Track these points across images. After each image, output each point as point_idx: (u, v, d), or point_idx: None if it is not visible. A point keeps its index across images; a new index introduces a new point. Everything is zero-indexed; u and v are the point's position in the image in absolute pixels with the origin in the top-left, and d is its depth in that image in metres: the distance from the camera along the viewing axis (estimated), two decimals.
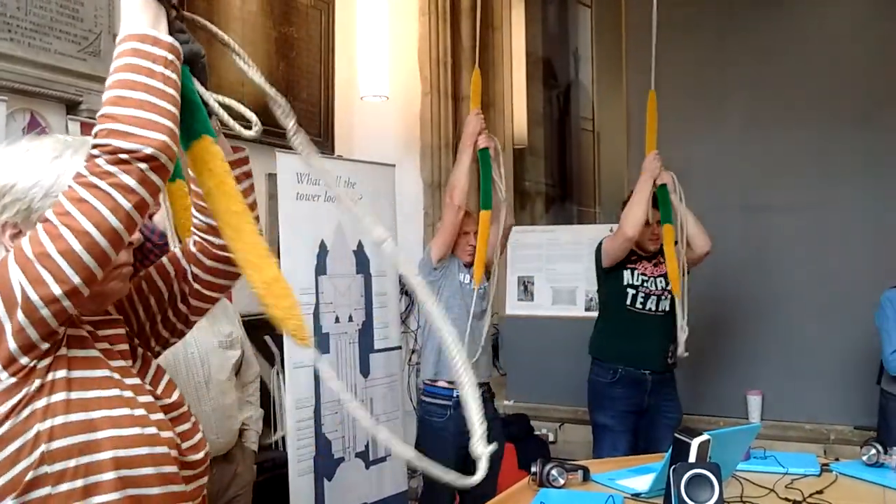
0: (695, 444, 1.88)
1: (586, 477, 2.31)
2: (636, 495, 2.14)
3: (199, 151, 1.14)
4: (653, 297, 3.42)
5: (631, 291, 3.41)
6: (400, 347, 4.09)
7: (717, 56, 4.48)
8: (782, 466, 2.38)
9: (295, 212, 3.55)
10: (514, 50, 5.26)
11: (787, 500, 2.08)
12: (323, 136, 4.42)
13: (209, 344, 2.47)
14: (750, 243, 4.32)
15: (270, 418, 3.67)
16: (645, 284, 3.42)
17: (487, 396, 3.41)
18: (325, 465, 3.53)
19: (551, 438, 4.52)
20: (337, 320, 3.72)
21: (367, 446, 3.79)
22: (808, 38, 4.32)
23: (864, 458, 2.37)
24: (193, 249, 1.26)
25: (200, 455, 1.17)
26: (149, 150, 0.99)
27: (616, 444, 3.39)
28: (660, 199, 3.34)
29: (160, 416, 1.13)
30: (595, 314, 4.28)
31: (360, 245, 3.86)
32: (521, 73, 5.39)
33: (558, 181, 5.96)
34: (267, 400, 3.62)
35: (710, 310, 4.14)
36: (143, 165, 0.99)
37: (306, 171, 3.61)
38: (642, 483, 2.21)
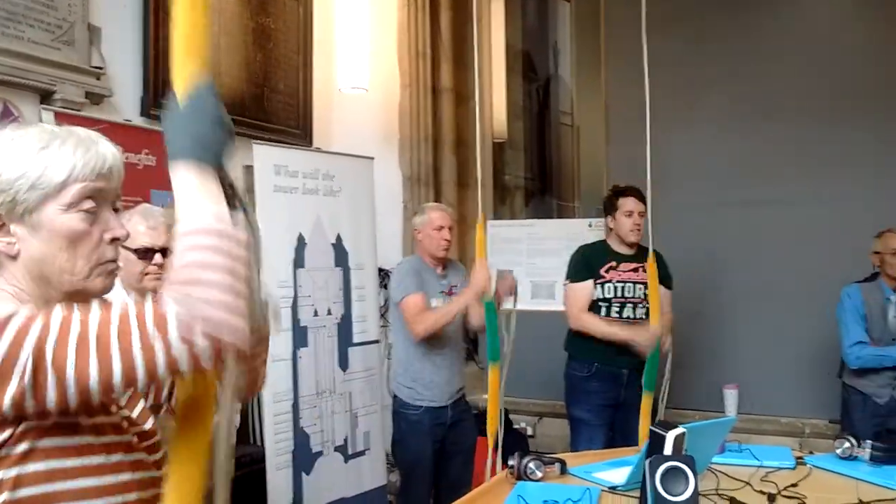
0: (670, 436, 1.89)
1: (563, 470, 2.31)
2: (613, 488, 2.15)
3: None
4: (629, 304, 3.40)
5: (604, 305, 3.41)
6: (379, 341, 4.08)
7: (696, 53, 4.51)
8: (757, 459, 2.39)
9: (272, 204, 3.52)
10: (494, 43, 5.25)
11: (762, 492, 2.10)
12: (301, 129, 4.39)
13: None
14: (727, 239, 4.35)
15: (250, 414, 3.65)
16: (620, 294, 3.40)
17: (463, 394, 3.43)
18: (303, 459, 3.52)
19: (530, 432, 4.54)
20: (315, 314, 3.70)
21: (345, 440, 3.78)
22: (786, 36, 4.36)
23: (838, 451, 2.39)
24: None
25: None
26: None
27: (593, 438, 3.41)
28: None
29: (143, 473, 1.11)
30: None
31: (338, 238, 3.84)
32: (500, 66, 5.39)
33: (538, 175, 5.96)
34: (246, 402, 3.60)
35: (687, 305, 4.15)
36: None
37: (284, 163, 3.59)
38: (619, 476, 2.22)
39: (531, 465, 2.24)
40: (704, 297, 4.32)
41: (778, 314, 4.26)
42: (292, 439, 3.49)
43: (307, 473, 3.54)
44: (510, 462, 2.28)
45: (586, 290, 3.39)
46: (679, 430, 1.90)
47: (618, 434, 3.45)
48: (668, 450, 1.87)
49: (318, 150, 3.85)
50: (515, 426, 4.49)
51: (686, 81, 4.50)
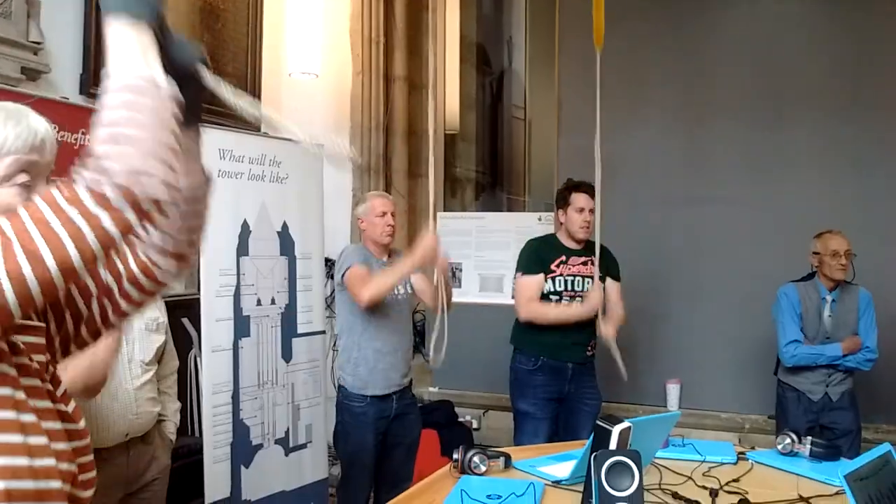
0: (615, 431, 1.87)
1: (508, 464, 2.29)
2: (557, 482, 2.13)
3: None
4: (578, 298, 3.40)
5: (554, 298, 3.40)
6: (324, 332, 4.01)
7: (647, 51, 4.54)
8: (700, 454, 2.41)
9: (217, 190, 3.40)
10: (449, 33, 5.20)
11: (704, 487, 2.10)
12: None
13: (135, 325, 2.39)
14: (672, 236, 4.40)
15: (188, 405, 3.55)
16: (570, 287, 3.40)
17: (407, 384, 3.38)
18: (243, 451, 3.43)
19: (475, 425, 4.52)
20: (259, 303, 3.61)
21: (287, 433, 3.70)
22: (734, 39, 4.43)
23: (779, 447, 2.42)
24: (135, 269, 1.15)
25: (90, 493, 1.08)
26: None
27: (537, 431, 3.40)
28: None
29: (63, 445, 1.03)
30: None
31: (284, 226, 3.75)
32: (454, 57, 5.35)
33: (489, 168, 5.94)
34: (185, 392, 3.50)
35: (632, 301, 4.15)
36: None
37: (229, 148, 3.49)
38: (563, 470, 2.20)
39: (475, 459, 2.22)
40: (649, 293, 4.35)
41: (720, 311, 4.33)
42: (231, 431, 3.40)
43: (246, 466, 3.46)
44: (454, 456, 2.25)
45: (538, 282, 3.38)
46: (625, 424, 1.89)
47: (561, 428, 3.46)
48: (613, 444, 1.85)
49: (266, 135, 3.75)
50: (461, 419, 4.46)
51: (637, 79, 4.53)
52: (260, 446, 3.55)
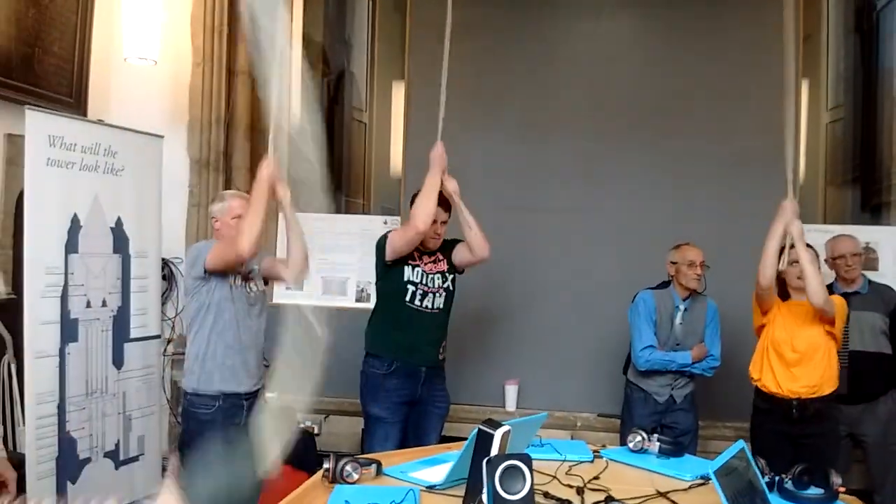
0: (498, 435, 1.91)
1: (379, 471, 2.26)
2: (431, 487, 2.13)
3: None
4: (430, 294, 3.44)
5: (411, 288, 3.41)
6: (159, 336, 3.77)
7: (496, 61, 4.68)
8: (559, 454, 2.51)
9: (44, 180, 3.12)
10: (292, 30, 5.06)
11: (570, 486, 2.19)
12: (74, 96, 3.93)
13: None
14: (515, 242, 4.54)
15: (3, 417, 3.20)
16: (424, 281, 3.44)
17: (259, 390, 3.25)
18: (69, 466, 3.16)
19: (316, 430, 4.42)
20: (88, 304, 3.34)
21: (117, 445, 3.45)
22: (578, 53, 4.67)
23: (631, 444, 2.57)
24: None
25: None
26: None
27: (388, 436, 3.39)
28: None
29: None
30: (366, 305, 4.26)
31: (118, 222, 3.49)
32: (297, 55, 5.20)
33: (328, 170, 5.83)
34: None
35: (473, 304, 4.29)
36: None
37: (59, 134, 3.19)
38: (436, 475, 2.21)
39: (347, 467, 2.17)
40: (491, 296, 4.49)
41: (557, 315, 4.54)
42: (56, 445, 3.12)
43: (72, 482, 3.19)
44: (325, 465, 2.19)
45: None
46: (505, 428, 1.93)
47: (411, 432, 3.47)
48: (495, 448, 1.89)
49: (101, 122, 3.47)
50: (301, 424, 4.35)
51: (481, 89, 4.65)
52: (88, 460, 3.28)
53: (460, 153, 4.04)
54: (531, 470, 1.68)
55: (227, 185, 4.44)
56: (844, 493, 2.16)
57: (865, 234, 4.29)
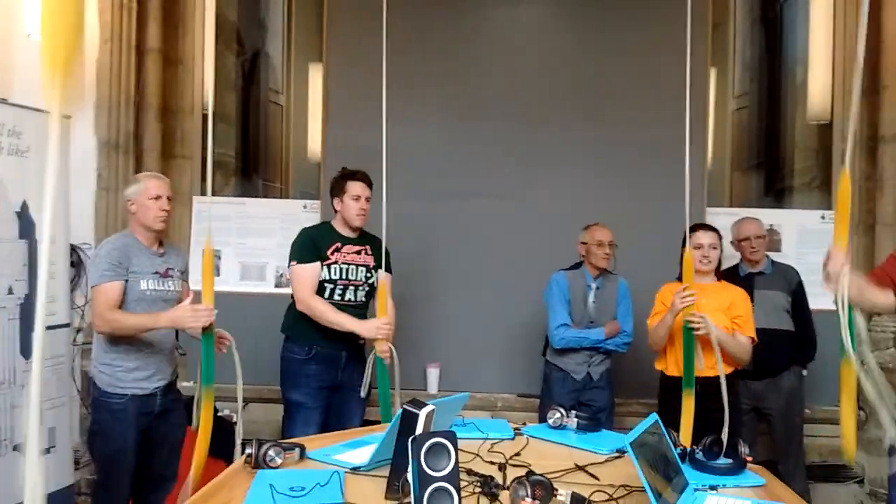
0: (422, 414, 1.93)
1: (303, 455, 2.25)
2: (356, 469, 2.13)
3: None
4: (351, 287, 3.42)
5: (329, 286, 3.38)
6: (68, 325, 3.62)
7: (422, 47, 4.67)
8: (481, 432, 2.56)
9: None
10: (207, 8, 4.92)
11: (492, 463, 2.23)
12: None
13: None
14: (436, 227, 4.58)
15: None
16: (345, 276, 3.40)
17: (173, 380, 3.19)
18: None
19: (234, 419, 4.34)
20: None
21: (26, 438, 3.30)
22: (499, 40, 4.73)
23: (550, 421, 2.64)
24: None
25: None
26: None
27: (309, 421, 3.38)
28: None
29: None
30: (285, 291, 4.21)
31: (24, 206, 3.32)
32: (210, 33, 5.06)
33: (245, 152, 5.72)
34: None
35: (395, 288, 4.28)
36: None
37: None
38: (360, 456, 2.21)
39: (270, 452, 2.16)
40: (411, 281, 4.49)
41: (478, 298, 4.60)
42: None
43: None
44: (247, 450, 2.17)
45: (314, 271, 3.34)
46: (430, 407, 1.95)
47: (333, 416, 3.45)
48: (420, 428, 1.90)
49: (5, 101, 3.29)
50: (219, 413, 4.26)
51: (407, 74, 4.63)
52: None
53: (387, 138, 4.04)
54: (456, 447, 1.70)
55: (138, 168, 4.30)
56: (752, 462, 2.28)
57: (769, 216, 4.51)
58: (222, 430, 4.09)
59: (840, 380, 2.41)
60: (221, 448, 3.95)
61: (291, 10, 5.89)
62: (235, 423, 4.38)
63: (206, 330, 2.79)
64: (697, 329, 3.02)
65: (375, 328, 3.28)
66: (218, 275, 4.51)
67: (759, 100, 5.62)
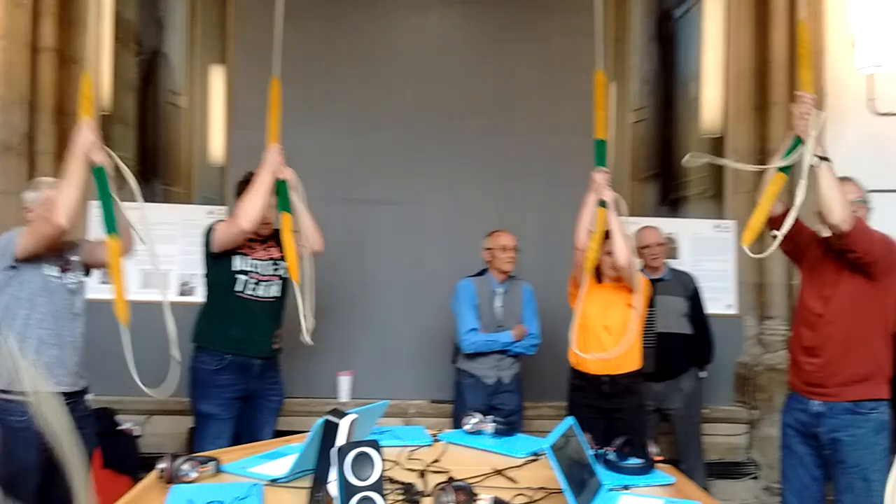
0: (344, 423, 1.92)
1: (218, 468, 2.20)
2: (274, 481, 2.10)
3: None
4: (263, 283, 3.37)
5: (241, 277, 3.32)
6: None
7: (327, 51, 4.65)
8: (400, 439, 2.56)
9: None
10: (104, 5, 4.74)
11: (412, 470, 2.25)
12: None
13: None
14: (345, 233, 4.54)
15: None
16: (256, 270, 3.36)
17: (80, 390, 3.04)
18: None
19: (138, 432, 4.19)
20: None
21: None
22: (407, 47, 4.76)
23: (467, 426, 2.67)
24: None
25: None
26: None
27: (220, 433, 3.29)
28: (279, 193, 3.30)
29: None
30: (190, 299, 4.10)
31: None
32: (108, 32, 4.88)
33: (144, 156, 5.51)
34: None
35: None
36: None
37: None
38: (278, 468, 2.18)
39: (185, 466, 2.10)
40: (321, 288, 4.42)
41: (389, 305, 4.61)
42: None
43: None
44: (160, 465, 2.10)
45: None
46: (352, 416, 1.94)
47: (244, 427, 3.38)
48: (342, 437, 1.90)
49: None
50: (121, 427, 4.10)
51: (313, 78, 4.60)
52: None
53: (288, 143, 3.98)
54: (380, 456, 1.71)
55: (32, 172, 4.08)
56: (660, 461, 2.38)
57: (666, 225, 4.70)
58: (124, 445, 3.95)
59: (767, 187, 2.70)
60: (124, 463, 3.81)
61: (195, 9, 5.73)
62: (140, 436, 4.25)
63: (96, 165, 2.73)
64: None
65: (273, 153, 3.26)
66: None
67: (655, 113, 5.87)
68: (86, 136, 2.77)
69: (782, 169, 2.67)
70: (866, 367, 2.70)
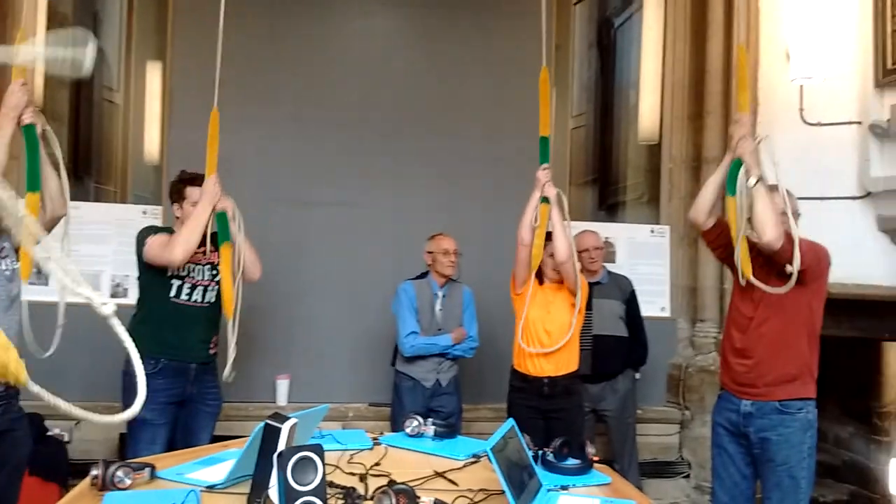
0: (285, 428, 1.90)
1: (153, 475, 2.15)
2: (212, 487, 2.07)
3: None
4: (199, 287, 3.30)
5: (176, 282, 3.24)
6: None
7: (270, 52, 4.60)
8: (340, 443, 2.55)
9: None
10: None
11: (352, 474, 2.24)
12: None
13: None
14: (285, 235, 4.51)
15: None
16: (192, 275, 3.29)
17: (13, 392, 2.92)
18: None
19: (66, 438, 4.07)
20: None
21: None
22: (351, 50, 4.74)
23: (408, 429, 2.67)
24: None
25: None
26: None
27: (155, 438, 3.20)
28: (219, 224, 3.25)
29: None
30: (123, 301, 4.01)
31: None
32: (41, 25, 4.72)
33: (76, 153, 5.35)
34: None
35: (245, 299, 4.18)
36: None
37: None
38: (216, 474, 2.14)
39: (119, 473, 2.05)
40: (259, 290, 4.37)
41: (328, 308, 4.58)
42: None
43: None
44: (93, 472, 2.05)
45: (165, 236, 3.23)
46: (292, 420, 1.93)
47: (180, 432, 3.31)
48: (283, 442, 1.88)
49: None
50: (50, 433, 3.98)
51: (258, 80, 4.54)
52: None
53: (229, 144, 3.92)
54: (323, 460, 1.70)
55: None
56: (596, 462, 2.43)
57: (604, 230, 4.79)
58: (53, 451, 3.83)
59: (728, 216, 2.79)
60: (52, 471, 3.69)
61: (132, 4, 5.59)
62: (69, 442, 4.12)
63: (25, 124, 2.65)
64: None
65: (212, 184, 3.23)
66: (46, 284, 4.19)
67: (594, 119, 5.98)
68: (17, 97, 2.67)
69: (730, 192, 2.77)
70: (794, 368, 2.80)
